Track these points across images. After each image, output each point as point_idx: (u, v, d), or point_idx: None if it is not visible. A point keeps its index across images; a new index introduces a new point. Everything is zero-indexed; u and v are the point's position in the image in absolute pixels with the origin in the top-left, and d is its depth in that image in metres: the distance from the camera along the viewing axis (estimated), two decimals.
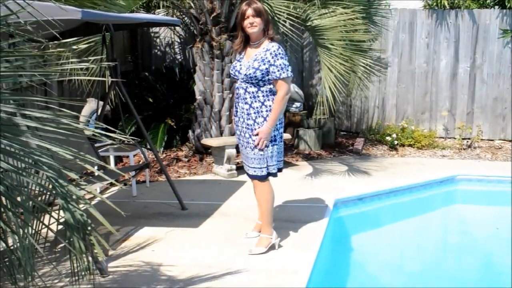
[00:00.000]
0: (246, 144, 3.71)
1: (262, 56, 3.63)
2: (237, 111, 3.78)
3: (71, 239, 1.92)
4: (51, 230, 2.04)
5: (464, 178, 6.09)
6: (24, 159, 1.74)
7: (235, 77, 3.77)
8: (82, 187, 2.08)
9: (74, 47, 4.91)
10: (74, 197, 1.90)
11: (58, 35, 2.25)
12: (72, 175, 1.92)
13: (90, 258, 2.12)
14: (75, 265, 2.10)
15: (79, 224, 1.92)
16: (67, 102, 1.95)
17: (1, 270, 1.89)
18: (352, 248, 4.73)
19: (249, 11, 3.61)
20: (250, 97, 3.66)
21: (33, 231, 2.06)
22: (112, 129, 2.25)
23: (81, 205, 2.02)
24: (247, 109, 3.68)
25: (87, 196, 3.34)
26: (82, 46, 5.69)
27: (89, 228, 1.97)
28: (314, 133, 7.28)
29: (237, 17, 3.77)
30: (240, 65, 3.73)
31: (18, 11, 1.87)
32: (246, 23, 3.63)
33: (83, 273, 2.09)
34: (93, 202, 3.94)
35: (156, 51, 8.61)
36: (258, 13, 3.63)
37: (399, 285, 3.94)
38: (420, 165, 6.63)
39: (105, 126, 2.25)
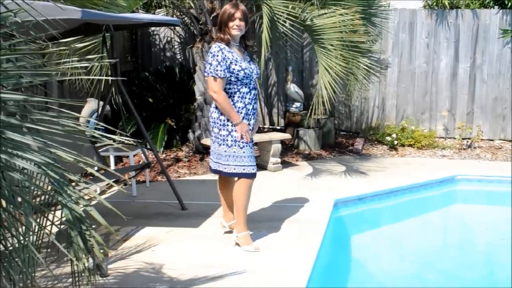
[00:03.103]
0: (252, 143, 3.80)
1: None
2: (247, 113, 3.74)
3: (72, 240, 1.92)
4: (47, 234, 2.03)
5: (464, 178, 6.09)
6: (25, 161, 1.74)
7: (246, 78, 3.68)
8: (82, 188, 2.08)
9: (76, 45, 4.92)
10: (73, 198, 1.89)
11: (58, 36, 2.25)
12: (72, 177, 1.92)
13: (90, 259, 2.11)
14: (75, 266, 2.10)
15: (79, 227, 1.92)
16: (67, 102, 1.95)
17: (0, 271, 1.89)
18: (352, 248, 4.73)
19: (238, 14, 3.67)
20: None
21: (33, 233, 2.06)
22: (113, 129, 2.24)
23: (81, 207, 2.02)
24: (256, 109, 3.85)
25: (87, 197, 3.34)
26: (82, 45, 5.70)
27: (89, 229, 1.96)
28: (314, 133, 7.28)
29: (222, 15, 3.71)
30: (245, 65, 3.70)
31: (18, 11, 1.87)
32: (232, 24, 3.67)
33: (83, 274, 2.09)
34: (93, 203, 3.94)
35: (156, 51, 8.62)
36: (245, 18, 3.73)
37: (399, 285, 3.94)
38: (420, 165, 6.63)
39: (105, 126, 2.24)
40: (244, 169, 3.70)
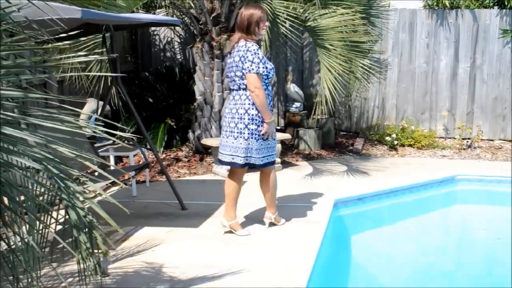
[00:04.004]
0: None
1: None
2: (271, 110, 4.05)
3: (78, 237, 1.92)
4: (52, 232, 2.03)
5: (464, 178, 6.08)
6: (27, 159, 1.74)
7: (271, 77, 4.01)
8: (86, 186, 2.08)
9: (68, 42, 4.91)
10: (77, 195, 1.89)
11: (58, 36, 2.24)
12: (77, 174, 1.91)
13: (97, 258, 2.10)
14: (81, 265, 2.08)
15: (85, 225, 1.92)
16: (67, 99, 1.95)
17: (2, 270, 1.89)
18: (352, 248, 4.73)
19: (265, 16, 4.01)
20: None
21: (36, 232, 2.06)
22: (115, 124, 2.24)
23: (85, 204, 2.02)
24: None
25: (90, 195, 3.33)
26: (83, 44, 5.71)
27: (93, 225, 1.96)
28: (314, 133, 7.28)
29: (252, 16, 3.94)
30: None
31: (20, 8, 1.87)
32: (262, 26, 3.97)
33: (87, 273, 2.08)
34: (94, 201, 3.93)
35: (156, 51, 8.61)
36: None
37: (399, 285, 3.94)
38: (420, 165, 6.63)
39: (107, 121, 2.24)
40: (273, 158, 4.09)
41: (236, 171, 4.11)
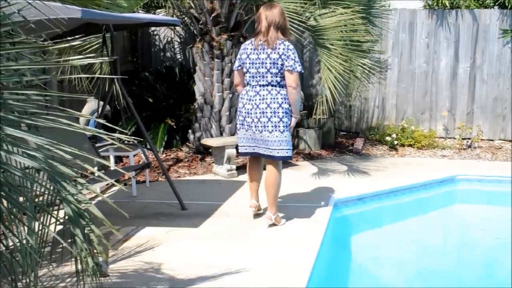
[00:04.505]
0: None
1: None
2: None
3: (75, 236, 1.92)
4: (51, 232, 2.03)
5: (464, 178, 6.09)
6: (27, 159, 1.74)
7: None
8: (85, 186, 2.08)
9: (76, 43, 4.94)
10: (76, 197, 1.89)
11: (59, 36, 2.25)
12: (75, 175, 1.91)
13: (95, 258, 2.10)
14: (79, 266, 2.08)
15: (81, 224, 1.92)
16: (68, 98, 1.96)
17: (1, 270, 1.89)
18: (352, 248, 4.73)
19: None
20: None
21: (34, 233, 2.05)
22: (114, 127, 2.24)
23: (82, 205, 2.02)
24: None
25: (89, 196, 3.33)
26: (83, 44, 5.72)
27: (89, 225, 1.96)
28: (314, 133, 7.28)
29: (285, 17, 4.11)
30: None
31: (20, 10, 1.87)
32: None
33: (86, 273, 2.08)
34: (93, 202, 3.94)
35: (156, 51, 8.61)
36: None
37: (399, 285, 3.94)
38: (420, 165, 6.63)
39: (105, 122, 2.24)
40: (291, 152, 4.18)
41: (265, 162, 4.26)
